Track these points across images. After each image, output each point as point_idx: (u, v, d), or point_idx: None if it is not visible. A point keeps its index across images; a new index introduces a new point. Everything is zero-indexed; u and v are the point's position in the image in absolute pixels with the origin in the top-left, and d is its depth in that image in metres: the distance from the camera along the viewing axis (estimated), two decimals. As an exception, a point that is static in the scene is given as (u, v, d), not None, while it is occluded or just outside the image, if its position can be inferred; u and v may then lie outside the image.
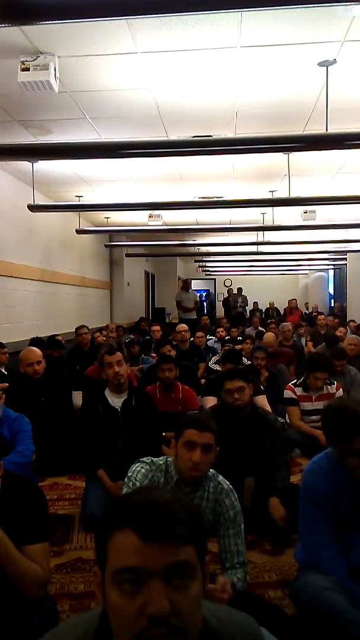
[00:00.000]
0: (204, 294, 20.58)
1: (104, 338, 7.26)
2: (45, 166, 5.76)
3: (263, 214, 8.56)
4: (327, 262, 14.23)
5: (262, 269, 15.80)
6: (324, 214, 7.79)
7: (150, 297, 16.24)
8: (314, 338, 8.67)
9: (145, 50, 3.26)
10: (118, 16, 2.45)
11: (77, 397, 4.80)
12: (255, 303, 17.24)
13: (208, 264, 16.99)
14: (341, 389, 4.37)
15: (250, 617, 1.02)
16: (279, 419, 3.94)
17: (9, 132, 4.73)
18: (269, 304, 16.93)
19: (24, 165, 5.67)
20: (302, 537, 2.13)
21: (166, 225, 8.32)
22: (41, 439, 3.37)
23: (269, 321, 10.63)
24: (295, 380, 4.52)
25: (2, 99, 4.01)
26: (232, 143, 4.08)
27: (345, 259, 12.26)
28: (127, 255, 11.94)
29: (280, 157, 5.15)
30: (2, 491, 1.72)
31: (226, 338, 8.23)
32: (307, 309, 16.81)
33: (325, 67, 3.53)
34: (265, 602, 2.10)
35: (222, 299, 18.39)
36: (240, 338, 7.79)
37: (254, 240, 9.75)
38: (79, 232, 8.18)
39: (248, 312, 16.76)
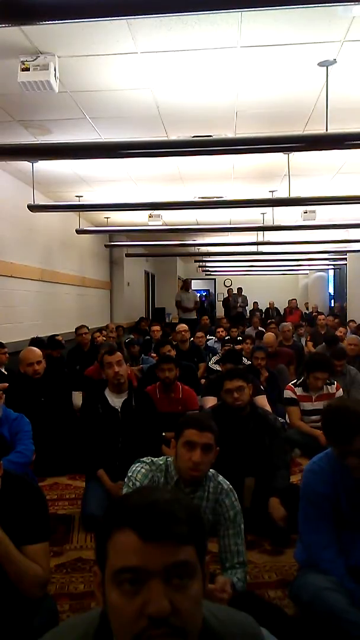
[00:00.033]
0: (204, 294, 20.55)
1: (104, 338, 7.26)
2: (45, 166, 5.76)
3: (263, 214, 8.56)
4: (327, 262, 14.24)
5: (262, 269, 15.81)
6: (324, 214, 7.79)
7: (150, 297, 16.24)
8: (314, 338, 8.67)
9: (145, 50, 3.26)
10: (118, 16, 2.45)
11: (77, 397, 4.80)
12: (255, 303, 17.24)
13: (208, 264, 17.00)
14: (341, 389, 4.37)
15: (250, 617, 1.02)
16: (279, 419, 3.94)
17: (9, 132, 4.73)
18: (269, 304, 16.93)
19: (24, 165, 5.67)
20: (302, 537, 2.13)
21: (166, 225, 8.32)
22: (41, 439, 3.37)
23: (269, 321, 10.63)
24: (295, 380, 4.52)
25: (2, 99, 4.01)
26: (232, 143, 4.08)
27: (345, 259, 12.26)
28: (127, 255, 11.94)
29: (280, 157, 5.15)
30: (2, 491, 1.72)
31: (226, 338, 8.23)
32: (307, 309, 16.81)
33: (325, 67, 3.53)
34: (265, 602, 2.10)
35: (222, 299, 18.39)
36: (240, 338, 7.79)
37: (254, 240, 9.75)
38: (79, 232, 8.18)
39: (248, 312, 16.76)
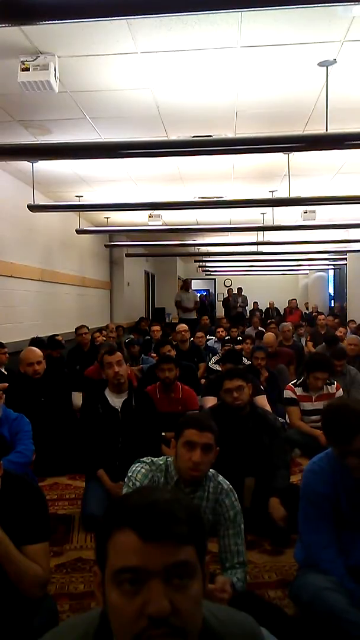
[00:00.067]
0: (204, 294, 20.55)
1: (104, 338, 7.26)
2: (45, 166, 5.76)
3: (263, 214, 8.56)
4: (327, 262, 14.24)
5: (262, 269, 15.81)
6: (324, 214, 7.79)
7: (150, 297, 16.24)
8: (314, 338, 8.67)
9: (145, 50, 3.26)
10: (118, 16, 2.44)
11: (77, 398, 4.80)
12: (255, 303, 17.24)
13: (208, 264, 17.00)
14: (341, 389, 4.37)
15: (250, 617, 1.02)
16: (279, 418, 3.94)
17: (9, 132, 4.73)
18: (269, 304, 16.93)
19: (24, 165, 5.67)
20: (302, 537, 2.13)
21: (166, 225, 8.32)
22: (41, 439, 3.37)
23: (269, 321, 10.62)
24: (295, 380, 4.52)
25: (2, 99, 4.01)
26: (232, 143, 4.08)
27: (345, 259, 12.26)
28: (127, 255, 11.94)
29: (280, 157, 5.15)
30: (2, 491, 1.72)
31: (226, 338, 8.23)
32: (307, 309, 16.81)
33: (325, 67, 3.53)
34: (265, 602, 2.10)
35: (222, 299, 18.40)
36: (240, 338, 7.79)
37: (254, 240, 9.75)
38: (79, 232, 8.18)
39: (248, 312, 16.76)
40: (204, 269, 17.64)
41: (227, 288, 18.91)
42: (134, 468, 2.10)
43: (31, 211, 6.09)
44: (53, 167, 5.86)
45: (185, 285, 12.02)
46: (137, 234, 10.44)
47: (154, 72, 3.58)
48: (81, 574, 2.56)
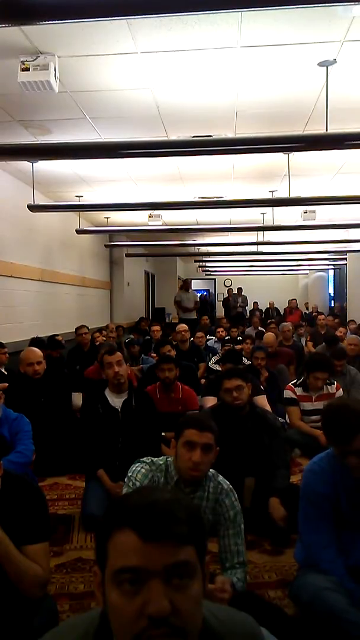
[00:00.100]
0: (204, 294, 20.55)
1: (104, 338, 7.26)
2: (45, 166, 5.76)
3: (263, 214, 8.56)
4: (327, 262, 14.24)
5: (262, 269, 15.80)
6: (324, 214, 7.79)
7: (150, 297, 16.24)
8: (314, 338, 8.67)
9: (145, 50, 3.26)
10: (118, 16, 2.45)
11: (77, 398, 4.80)
12: (255, 303, 17.24)
13: (208, 264, 17.00)
14: (341, 389, 4.37)
15: (250, 617, 1.02)
16: (279, 418, 3.94)
17: (9, 132, 4.73)
18: (269, 304, 16.93)
19: (24, 165, 5.67)
20: (302, 537, 2.14)
21: (166, 225, 8.32)
22: (41, 439, 3.37)
23: (269, 321, 10.62)
24: (295, 380, 4.52)
25: (2, 99, 4.01)
26: (232, 143, 4.08)
27: (345, 259, 12.26)
28: (127, 255, 11.94)
29: (280, 157, 5.15)
30: (2, 491, 1.72)
31: (226, 338, 8.23)
32: (307, 309, 16.81)
33: (325, 67, 3.53)
34: (265, 602, 2.10)
35: (222, 299, 18.40)
36: (240, 338, 7.79)
37: (254, 240, 9.75)
38: (79, 232, 8.18)
39: (248, 312, 16.76)
40: (204, 269, 17.64)
41: (227, 288, 18.91)
42: (134, 468, 2.10)
43: (31, 211, 6.09)
44: (53, 167, 5.86)
45: (185, 285, 12.01)
46: (137, 234, 10.44)
47: (154, 72, 3.58)
48: (81, 574, 2.56)
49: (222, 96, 4.02)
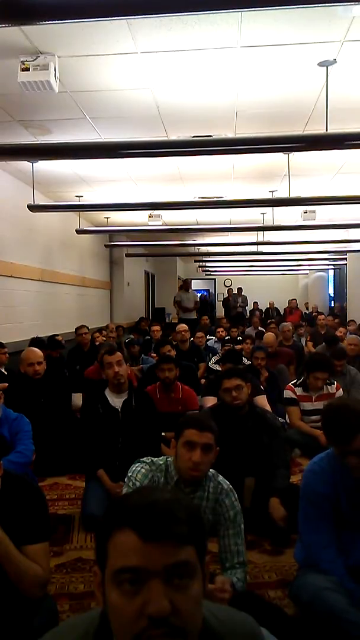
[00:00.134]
0: (204, 294, 20.55)
1: (104, 338, 7.26)
2: (45, 166, 5.76)
3: (263, 214, 8.56)
4: (327, 262, 14.24)
5: (262, 269, 15.81)
6: (324, 214, 7.79)
7: (150, 297, 16.25)
8: (314, 338, 8.67)
9: (145, 50, 3.26)
10: (118, 16, 2.45)
11: (77, 398, 4.80)
12: (255, 303, 17.24)
13: (208, 264, 17.00)
14: (341, 389, 4.37)
15: (250, 617, 1.02)
16: (279, 418, 3.94)
17: (9, 132, 4.73)
18: (269, 304, 16.93)
19: (24, 165, 5.67)
20: (302, 537, 2.14)
21: (166, 225, 8.33)
22: (41, 439, 3.37)
23: (269, 321, 10.63)
24: (295, 380, 4.52)
25: (2, 99, 4.01)
26: (232, 143, 4.08)
27: (345, 259, 12.26)
28: (127, 255, 11.94)
29: (280, 157, 5.15)
30: (2, 491, 1.72)
31: (226, 338, 8.23)
32: (307, 309, 16.81)
33: (325, 67, 3.53)
34: (265, 602, 2.10)
35: (222, 299, 18.40)
36: (240, 338, 7.79)
37: (254, 240, 9.75)
38: (79, 232, 8.19)
39: (248, 312, 16.76)
40: (204, 269, 17.64)
41: (227, 288, 18.91)
42: (134, 468, 2.10)
43: (31, 211, 6.09)
44: (53, 167, 5.86)
45: (185, 285, 12.02)
46: (137, 234, 10.44)
47: (154, 72, 3.58)
48: (81, 574, 2.55)
49: (222, 96, 4.02)
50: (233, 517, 2.06)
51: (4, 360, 5.02)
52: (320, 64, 3.50)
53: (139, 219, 8.49)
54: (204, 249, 13.99)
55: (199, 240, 11.62)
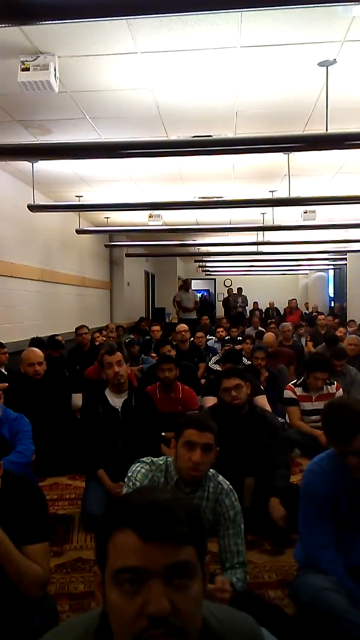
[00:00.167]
0: (204, 294, 20.55)
1: (104, 338, 7.26)
2: (45, 166, 5.76)
3: (263, 214, 8.57)
4: (327, 262, 14.24)
5: (262, 269, 15.81)
6: (324, 214, 7.79)
7: (150, 297, 16.25)
8: (314, 338, 8.67)
9: (145, 50, 3.26)
10: (118, 16, 2.45)
11: (77, 399, 4.80)
12: (255, 303, 17.25)
13: (208, 264, 17.00)
14: (341, 389, 4.37)
15: (250, 617, 1.02)
16: (279, 418, 3.93)
17: (9, 132, 4.73)
18: (269, 304, 16.93)
19: (24, 165, 5.67)
20: (302, 537, 2.14)
21: (166, 225, 8.33)
22: (41, 439, 3.37)
23: (269, 321, 10.62)
24: (295, 380, 4.52)
25: (2, 99, 4.01)
26: (232, 143, 4.08)
27: (345, 259, 12.26)
28: (127, 255, 11.94)
29: (280, 157, 5.16)
30: (2, 491, 1.72)
31: (226, 338, 8.23)
32: (307, 309, 16.81)
33: (325, 67, 3.53)
34: (265, 602, 2.10)
35: (222, 299, 18.40)
36: (240, 338, 7.79)
37: (254, 240, 9.75)
38: (79, 232, 8.19)
39: (248, 312, 16.76)
40: (204, 269, 17.64)
41: (227, 288, 18.91)
42: (134, 468, 2.10)
43: (31, 211, 6.09)
44: (53, 167, 5.86)
45: (185, 285, 12.02)
46: (137, 234, 10.44)
47: (154, 72, 3.58)
48: (81, 574, 2.55)
49: (222, 96, 4.02)
50: (233, 517, 2.06)
51: (4, 360, 5.02)
52: (320, 64, 3.50)
53: (139, 219, 8.49)
54: (204, 249, 14.00)
55: (199, 240, 11.62)
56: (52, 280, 7.86)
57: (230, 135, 4.79)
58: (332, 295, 17.49)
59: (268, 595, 2.35)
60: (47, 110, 4.24)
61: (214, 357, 6.28)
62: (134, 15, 2.55)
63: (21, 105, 4.12)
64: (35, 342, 5.77)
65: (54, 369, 4.90)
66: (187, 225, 9.14)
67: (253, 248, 10.51)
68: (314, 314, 13.67)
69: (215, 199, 7.22)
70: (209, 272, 18.57)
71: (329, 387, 4.30)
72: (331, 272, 17.01)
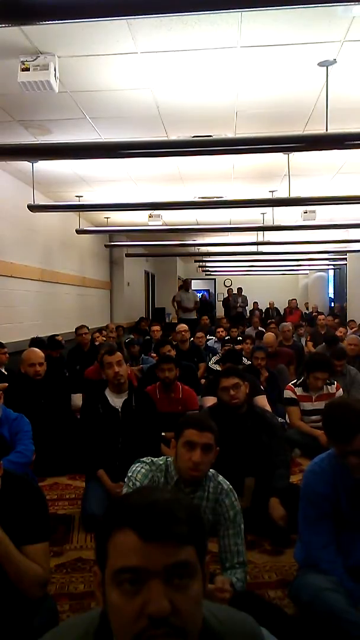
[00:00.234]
0: (204, 294, 20.55)
1: (104, 338, 7.26)
2: (45, 166, 5.76)
3: (263, 214, 8.57)
4: (327, 262, 14.24)
5: (262, 269, 15.81)
6: (324, 214, 7.79)
7: (150, 297, 16.25)
8: (314, 338, 8.67)
9: (145, 50, 3.26)
10: (118, 16, 2.45)
11: (77, 399, 4.80)
12: (255, 303, 17.25)
13: (208, 264, 17.00)
14: (341, 389, 4.37)
15: (250, 617, 1.02)
16: (279, 418, 3.93)
17: (9, 132, 4.73)
18: (269, 304, 16.93)
19: (24, 165, 5.67)
20: (301, 537, 2.14)
21: (166, 225, 8.33)
22: (41, 439, 3.36)
23: (269, 321, 10.63)
24: (295, 380, 4.52)
25: (2, 99, 4.01)
26: (232, 143, 4.08)
27: (345, 259, 12.26)
28: (127, 255, 11.94)
29: (280, 157, 5.16)
30: (2, 491, 1.72)
31: (226, 338, 8.23)
32: (307, 309, 16.81)
33: (325, 67, 3.53)
34: (265, 602, 2.10)
35: (222, 299, 18.40)
36: (240, 338, 7.79)
37: (254, 240, 9.75)
38: (79, 232, 8.19)
39: (248, 312, 16.76)
40: (204, 269, 17.65)
41: (227, 288, 18.91)
42: (134, 468, 2.10)
43: (31, 211, 6.09)
44: (53, 167, 5.86)
45: (185, 285, 12.02)
46: (137, 234, 10.45)
47: (154, 72, 3.58)
48: (81, 574, 2.55)
49: (222, 96, 4.02)
50: (233, 517, 2.06)
51: (4, 360, 5.02)
52: (320, 64, 3.50)
53: (139, 219, 8.49)
54: (204, 249, 14.00)
55: (199, 240, 11.62)
56: (52, 280, 7.86)
57: (230, 135, 4.79)
58: (332, 295, 17.49)
59: (268, 595, 2.34)
60: (47, 110, 4.24)
61: (214, 357, 6.28)
62: (134, 15, 2.56)
63: (21, 105, 4.12)
64: (35, 342, 5.77)
65: (54, 369, 4.90)
66: (187, 225, 9.14)
67: (253, 248, 10.51)
68: (314, 314, 13.67)
69: (215, 199, 7.22)
70: (209, 272, 18.57)
71: (329, 387, 4.30)
72: (331, 272, 17.01)
